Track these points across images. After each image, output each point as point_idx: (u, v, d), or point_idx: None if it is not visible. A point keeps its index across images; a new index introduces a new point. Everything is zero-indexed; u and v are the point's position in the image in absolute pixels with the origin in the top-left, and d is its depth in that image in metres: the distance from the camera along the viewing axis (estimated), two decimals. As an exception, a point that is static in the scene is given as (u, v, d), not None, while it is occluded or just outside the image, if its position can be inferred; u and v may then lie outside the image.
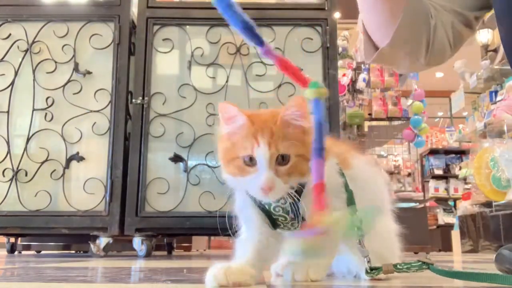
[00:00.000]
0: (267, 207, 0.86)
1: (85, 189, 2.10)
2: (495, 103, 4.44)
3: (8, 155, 2.14)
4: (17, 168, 2.12)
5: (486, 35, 4.97)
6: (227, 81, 2.22)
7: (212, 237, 4.76)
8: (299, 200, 0.84)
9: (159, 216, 2.08)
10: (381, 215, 0.95)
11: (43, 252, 3.21)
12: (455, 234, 4.83)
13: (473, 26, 1.02)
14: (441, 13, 0.98)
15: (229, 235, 0.89)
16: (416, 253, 4.30)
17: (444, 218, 6.48)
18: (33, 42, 2.23)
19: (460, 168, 6.27)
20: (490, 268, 1.58)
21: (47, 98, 2.18)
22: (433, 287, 0.78)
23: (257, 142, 0.79)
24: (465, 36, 1.02)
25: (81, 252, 3.18)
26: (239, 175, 0.81)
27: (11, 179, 2.12)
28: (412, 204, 4.80)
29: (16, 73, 2.21)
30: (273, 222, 0.88)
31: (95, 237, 2.07)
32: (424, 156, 6.74)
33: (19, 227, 2.12)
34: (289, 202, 0.84)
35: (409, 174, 5.85)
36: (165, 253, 3.05)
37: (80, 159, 2.14)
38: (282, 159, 0.80)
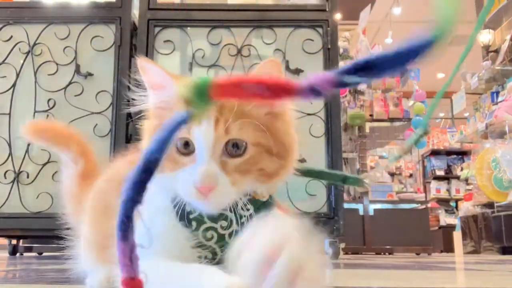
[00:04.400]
0: (193, 225, 0.59)
1: (87, 191, 2.10)
2: (497, 103, 4.44)
3: (10, 157, 2.14)
4: (19, 170, 2.13)
5: (487, 36, 4.97)
6: (228, 83, 2.22)
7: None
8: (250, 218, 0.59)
9: (161, 217, 2.08)
10: None
11: (44, 254, 3.21)
12: (457, 235, 4.82)
13: None
14: None
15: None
16: (418, 254, 4.29)
17: (445, 219, 6.47)
18: (35, 44, 2.23)
19: (462, 169, 6.27)
20: (493, 269, 1.57)
21: (48, 100, 2.18)
22: (435, 288, 0.78)
23: (202, 116, 0.53)
24: None
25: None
26: (168, 169, 0.57)
27: (13, 181, 2.12)
28: (413, 205, 4.80)
29: (17, 75, 2.21)
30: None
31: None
32: (426, 157, 6.73)
33: (20, 229, 2.12)
34: (238, 219, 0.59)
35: (410, 175, 5.85)
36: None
37: (82, 161, 2.14)
38: (234, 148, 0.57)
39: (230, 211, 0.59)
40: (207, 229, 0.60)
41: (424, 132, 0.74)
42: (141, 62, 0.61)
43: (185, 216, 0.59)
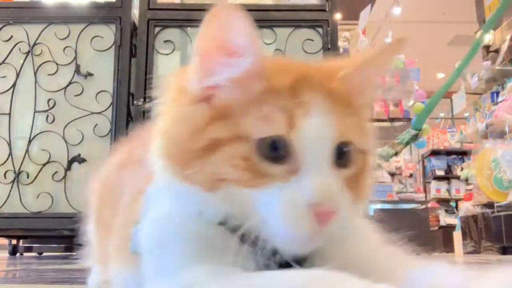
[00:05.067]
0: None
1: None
2: (497, 104, 4.43)
3: (10, 157, 2.14)
4: (19, 170, 2.13)
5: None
6: (228, 83, 2.22)
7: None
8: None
9: (161, 217, 2.08)
10: None
11: (44, 254, 3.21)
12: (457, 235, 4.82)
13: None
14: None
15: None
16: (417, 254, 4.29)
17: (446, 219, 6.47)
18: (35, 44, 2.23)
19: (462, 169, 6.27)
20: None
21: (48, 100, 2.18)
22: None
23: (303, 109, 0.40)
24: None
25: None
26: (241, 183, 0.40)
27: (13, 181, 2.12)
28: (413, 205, 4.79)
29: (17, 75, 2.21)
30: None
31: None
32: (426, 157, 6.73)
33: (20, 229, 2.12)
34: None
35: (410, 175, 5.84)
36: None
37: (82, 160, 2.14)
38: (339, 155, 0.41)
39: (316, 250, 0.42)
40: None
41: (416, 133, 0.73)
42: (225, 12, 0.41)
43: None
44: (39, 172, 2.12)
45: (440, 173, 6.53)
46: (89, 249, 0.75)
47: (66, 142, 2.15)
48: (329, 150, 0.41)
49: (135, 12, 2.30)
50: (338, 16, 2.35)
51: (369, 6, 4.60)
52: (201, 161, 0.41)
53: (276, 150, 0.40)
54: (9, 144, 2.15)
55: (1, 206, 2.09)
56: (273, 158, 0.40)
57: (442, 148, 6.77)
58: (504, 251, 3.86)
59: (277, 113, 0.40)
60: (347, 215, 0.41)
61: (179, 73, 0.47)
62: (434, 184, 6.52)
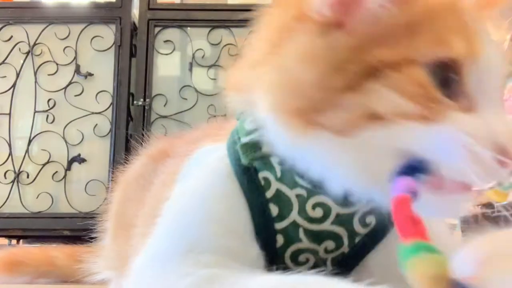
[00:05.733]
0: (278, 241, 0.39)
1: (87, 191, 2.10)
2: (497, 104, 4.43)
3: (10, 157, 2.14)
4: (19, 170, 2.13)
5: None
6: (228, 83, 2.22)
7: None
8: None
9: (161, 217, 2.08)
10: None
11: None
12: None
13: None
14: None
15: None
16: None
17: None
18: (35, 44, 2.23)
19: (462, 169, 6.27)
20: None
21: (48, 100, 2.18)
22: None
23: (481, 35, 0.34)
24: None
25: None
26: (413, 118, 0.32)
27: (13, 181, 2.12)
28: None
29: (17, 75, 2.21)
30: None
31: (96, 239, 2.07)
32: (426, 157, 6.73)
33: (20, 229, 2.12)
34: None
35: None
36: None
37: (82, 160, 2.14)
38: None
39: (343, 225, 0.39)
40: (301, 251, 0.40)
41: None
42: None
43: (265, 217, 0.38)
44: (39, 172, 2.12)
45: (440, 173, 6.53)
46: (104, 252, 0.70)
47: (66, 142, 2.15)
48: (501, 85, 0.34)
49: (135, 12, 2.30)
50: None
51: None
52: (345, 100, 0.33)
53: (448, 79, 0.33)
54: (9, 144, 2.15)
55: (1, 206, 2.09)
56: (446, 88, 0.33)
57: (442, 148, 6.76)
58: (504, 251, 3.86)
59: (454, 34, 0.33)
60: None
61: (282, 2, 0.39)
62: (434, 184, 6.52)
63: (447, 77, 0.33)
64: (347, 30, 0.35)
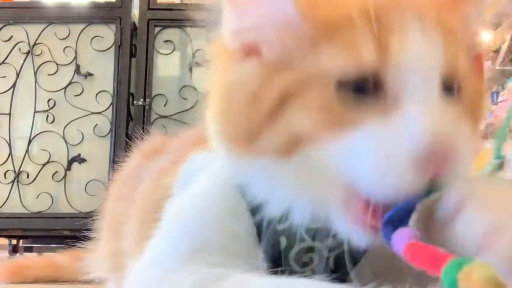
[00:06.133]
0: (282, 242, 0.39)
1: (87, 191, 2.10)
2: (497, 104, 4.43)
3: (10, 157, 2.14)
4: (19, 170, 2.13)
5: (487, 36, 4.95)
6: (228, 83, 2.22)
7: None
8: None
9: (161, 217, 2.08)
10: None
11: (45, 254, 3.21)
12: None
13: None
14: None
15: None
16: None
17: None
18: (35, 44, 2.23)
19: (462, 169, 6.26)
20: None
21: (48, 100, 2.18)
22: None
23: (397, 33, 0.32)
24: None
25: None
26: (322, 137, 0.32)
27: (13, 181, 2.12)
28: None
29: (17, 75, 2.21)
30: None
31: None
32: (426, 157, 6.72)
33: (20, 229, 2.12)
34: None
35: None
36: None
37: (82, 160, 2.14)
38: (447, 88, 0.34)
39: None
40: (305, 250, 0.39)
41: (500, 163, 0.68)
42: None
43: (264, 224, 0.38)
44: (39, 172, 2.12)
45: (440, 173, 6.53)
46: (100, 251, 0.70)
47: (66, 142, 2.15)
48: (436, 78, 0.32)
49: (135, 12, 2.30)
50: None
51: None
52: (270, 126, 0.34)
53: (363, 87, 0.32)
54: (9, 144, 2.15)
55: (1, 206, 2.09)
56: (359, 98, 0.32)
57: (442, 148, 6.76)
58: (504, 251, 3.86)
59: (360, 40, 0.31)
60: (468, 155, 0.32)
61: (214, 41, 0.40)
62: (434, 184, 6.51)
63: (362, 85, 0.32)
64: (258, 58, 0.35)
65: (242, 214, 0.40)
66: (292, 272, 0.39)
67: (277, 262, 0.40)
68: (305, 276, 0.37)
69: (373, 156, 0.31)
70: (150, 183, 0.56)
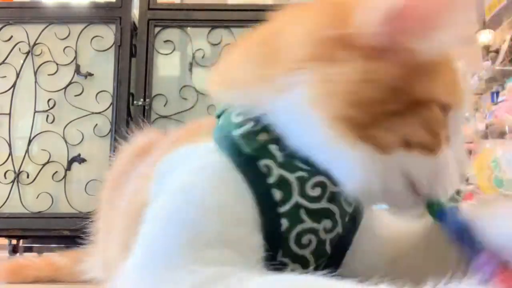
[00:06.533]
0: (283, 224, 0.41)
1: (87, 191, 2.10)
2: (497, 103, 4.43)
3: (10, 157, 2.14)
4: (19, 170, 2.13)
5: (488, 36, 4.97)
6: (228, 83, 2.22)
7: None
8: None
9: (161, 217, 2.08)
10: None
11: (45, 254, 3.21)
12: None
13: None
14: None
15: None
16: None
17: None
18: (35, 44, 2.23)
19: (462, 169, 6.25)
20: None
21: (48, 100, 2.18)
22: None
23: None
24: None
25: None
26: (427, 149, 0.39)
27: (13, 181, 2.12)
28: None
29: (17, 75, 2.21)
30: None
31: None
32: (426, 157, 6.72)
33: (20, 229, 2.12)
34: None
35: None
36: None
37: (82, 160, 2.14)
38: None
39: (335, 202, 0.43)
40: (304, 232, 0.42)
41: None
42: None
43: (271, 205, 0.40)
44: (39, 172, 2.12)
45: (440, 173, 6.52)
46: (95, 252, 0.71)
47: (66, 142, 2.15)
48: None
49: (135, 12, 2.30)
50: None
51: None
52: (392, 122, 0.38)
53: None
54: (9, 144, 2.15)
55: (1, 206, 2.09)
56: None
57: (442, 148, 6.75)
58: (504, 251, 3.85)
59: (451, 85, 0.41)
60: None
61: (319, 23, 0.43)
62: (434, 184, 6.51)
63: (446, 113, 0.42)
64: (392, 61, 0.39)
65: (244, 198, 0.41)
66: (289, 255, 0.42)
67: (276, 246, 0.42)
68: (303, 264, 0.42)
69: (446, 177, 0.42)
70: (134, 186, 0.57)
